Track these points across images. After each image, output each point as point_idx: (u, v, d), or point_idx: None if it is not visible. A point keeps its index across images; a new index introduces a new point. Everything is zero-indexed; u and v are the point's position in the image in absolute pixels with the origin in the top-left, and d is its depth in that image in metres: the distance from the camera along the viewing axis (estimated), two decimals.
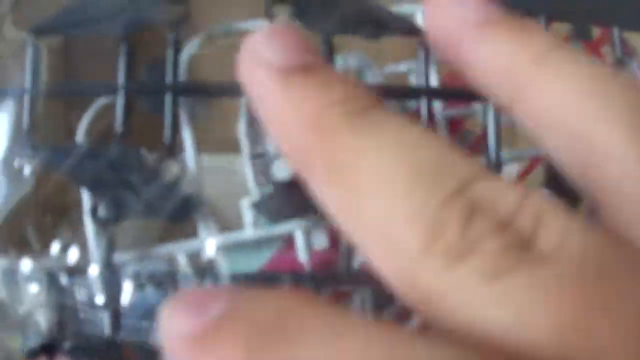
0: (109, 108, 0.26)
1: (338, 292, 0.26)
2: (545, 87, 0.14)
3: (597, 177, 0.14)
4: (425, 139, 0.13)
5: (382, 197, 0.13)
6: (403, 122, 0.13)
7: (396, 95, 0.26)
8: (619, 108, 0.14)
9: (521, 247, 0.12)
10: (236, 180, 0.27)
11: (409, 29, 0.26)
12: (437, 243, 0.12)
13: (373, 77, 0.27)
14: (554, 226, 0.12)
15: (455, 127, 0.29)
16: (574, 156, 0.14)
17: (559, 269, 0.12)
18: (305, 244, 0.25)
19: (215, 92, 0.25)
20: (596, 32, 0.28)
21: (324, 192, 0.13)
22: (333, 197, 0.13)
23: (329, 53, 0.25)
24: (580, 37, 0.27)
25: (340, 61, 0.28)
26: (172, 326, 0.12)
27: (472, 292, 0.12)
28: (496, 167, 0.25)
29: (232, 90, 0.26)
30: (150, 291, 0.25)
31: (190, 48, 0.26)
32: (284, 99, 0.13)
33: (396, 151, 0.13)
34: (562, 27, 0.27)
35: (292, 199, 0.24)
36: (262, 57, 0.13)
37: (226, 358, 0.12)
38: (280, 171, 0.24)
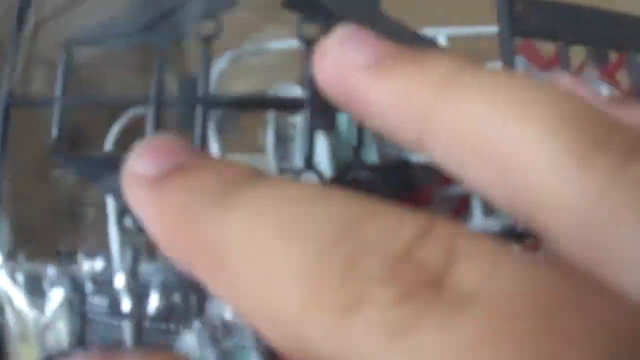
0: (137, 120, 0.26)
1: None
2: (451, 112, 0.12)
3: (527, 201, 0.12)
4: (299, 193, 0.12)
5: (256, 267, 0.11)
6: (275, 187, 0.12)
7: None
8: (538, 116, 0.12)
9: (427, 288, 0.10)
10: None
11: (434, 49, 0.26)
12: (319, 295, 0.10)
13: None
14: (473, 260, 0.10)
15: None
16: (497, 181, 0.12)
17: (482, 316, 0.09)
18: None
19: (244, 105, 0.26)
20: (612, 56, 0.28)
21: (209, 283, 0.12)
22: (215, 285, 0.12)
23: None
24: (597, 60, 0.28)
25: None
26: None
27: (372, 355, 0.10)
28: None
29: (261, 103, 0.27)
30: (174, 300, 0.25)
31: (220, 65, 0.27)
32: (155, 204, 0.13)
33: (264, 217, 0.12)
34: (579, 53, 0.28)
35: None
36: (135, 173, 0.13)
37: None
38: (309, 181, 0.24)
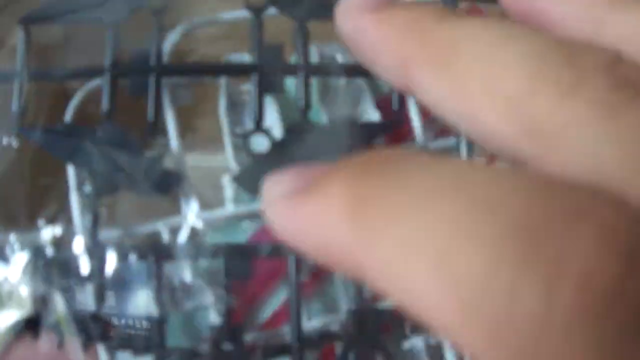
0: (98, 94, 0.27)
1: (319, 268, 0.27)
2: (624, 16, 0.15)
3: None
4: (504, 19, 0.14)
5: (483, 62, 0.13)
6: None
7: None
8: None
9: (632, 87, 0.12)
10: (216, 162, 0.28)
11: None
12: (545, 78, 0.12)
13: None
14: None
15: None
16: None
17: None
18: None
19: (196, 72, 0.27)
20: None
21: (430, 90, 0.14)
22: (439, 89, 0.14)
23: (303, 37, 0.27)
24: None
25: (314, 49, 0.29)
26: (275, 190, 0.13)
27: (586, 127, 0.12)
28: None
29: (213, 70, 0.28)
30: (133, 262, 0.26)
31: (173, 37, 0.28)
32: (378, 25, 0.15)
33: (488, 27, 0.14)
34: None
35: (271, 170, 0.25)
36: (353, 4, 0.15)
37: (330, 197, 0.12)
38: (259, 144, 0.25)
